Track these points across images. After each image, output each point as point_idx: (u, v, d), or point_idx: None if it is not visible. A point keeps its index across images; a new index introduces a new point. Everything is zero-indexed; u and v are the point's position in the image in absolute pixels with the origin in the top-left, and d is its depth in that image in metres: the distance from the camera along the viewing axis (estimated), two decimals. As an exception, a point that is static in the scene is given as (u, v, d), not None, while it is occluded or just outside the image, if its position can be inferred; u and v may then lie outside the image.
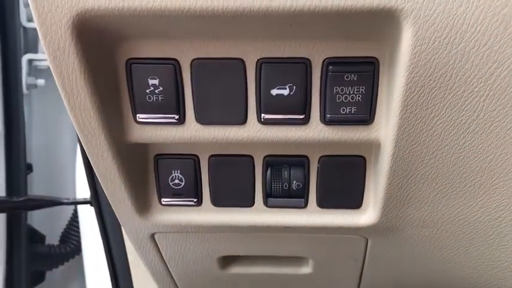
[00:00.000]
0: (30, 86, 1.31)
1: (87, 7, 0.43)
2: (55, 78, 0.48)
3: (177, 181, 0.58)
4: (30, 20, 1.33)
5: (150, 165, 0.58)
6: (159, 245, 0.68)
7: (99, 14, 0.44)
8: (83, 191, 1.22)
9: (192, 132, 0.53)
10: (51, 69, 0.47)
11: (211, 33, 0.48)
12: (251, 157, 0.57)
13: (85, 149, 0.53)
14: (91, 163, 0.55)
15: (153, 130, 0.53)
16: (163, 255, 0.70)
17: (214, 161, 0.57)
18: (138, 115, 0.52)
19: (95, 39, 0.47)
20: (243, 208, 0.60)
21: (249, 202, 0.59)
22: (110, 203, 0.60)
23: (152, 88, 0.51)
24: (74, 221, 1.35)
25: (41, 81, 1.33)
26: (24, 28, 1.32)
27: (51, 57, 0.46)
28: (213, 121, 0.52)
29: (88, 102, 0.49)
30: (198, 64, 0.50)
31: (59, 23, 0.44)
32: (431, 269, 0.68)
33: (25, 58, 1.30)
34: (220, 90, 0.51)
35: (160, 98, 0.51)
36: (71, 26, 0.44)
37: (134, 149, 0.55)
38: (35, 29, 1.38)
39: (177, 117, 0.52)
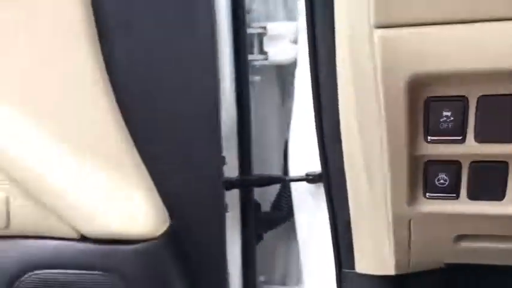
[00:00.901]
0: (250, 82, 1.57)
1: (424, 70, 0.63)
2: (386, 121, 0.69)
3: (442, 181, 0.76)
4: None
5: (420, 169, 0.78)
6: (411, 228, 0.86)
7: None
8: (294, 170, 1.47)
9: (468, 148, 0.71)
10: (384, 112, 0.68)
11: (499, 78, 0.65)
12: (506, 163, 0.73)
13: (388, 156, 0.74)
14: (389, 165, 0.76)
15: (437, 147, 0.73)
16: (411, 235, 0.89)
17: (474, 166, 0.74)
18: (429, 137, 0.72)
19: (412, 88, 0.67)
20: (494, 201, 0.76)
21: (500, 197, 0.72)
22: (390, 193, 0.80)
23: (445, 118, 0.69)
24: (283, 191, 1.61)
25: (257, 78, 1.59)
26: (242, 32, 1.57)
27: (388, 106, 0.67)
28: (489, 140, 0.70)
29: (402, 130, 0.69)
30: (483, 100, 0.66)
31: (398, 81, 0.64)
32: None
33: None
34: (498, 117, 0.68)
35: (450, 125, 0.70)
36: (407, 84, 0.64)
37: (417, 160, 0.76)
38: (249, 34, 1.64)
39: (460, 137, 0.71)
